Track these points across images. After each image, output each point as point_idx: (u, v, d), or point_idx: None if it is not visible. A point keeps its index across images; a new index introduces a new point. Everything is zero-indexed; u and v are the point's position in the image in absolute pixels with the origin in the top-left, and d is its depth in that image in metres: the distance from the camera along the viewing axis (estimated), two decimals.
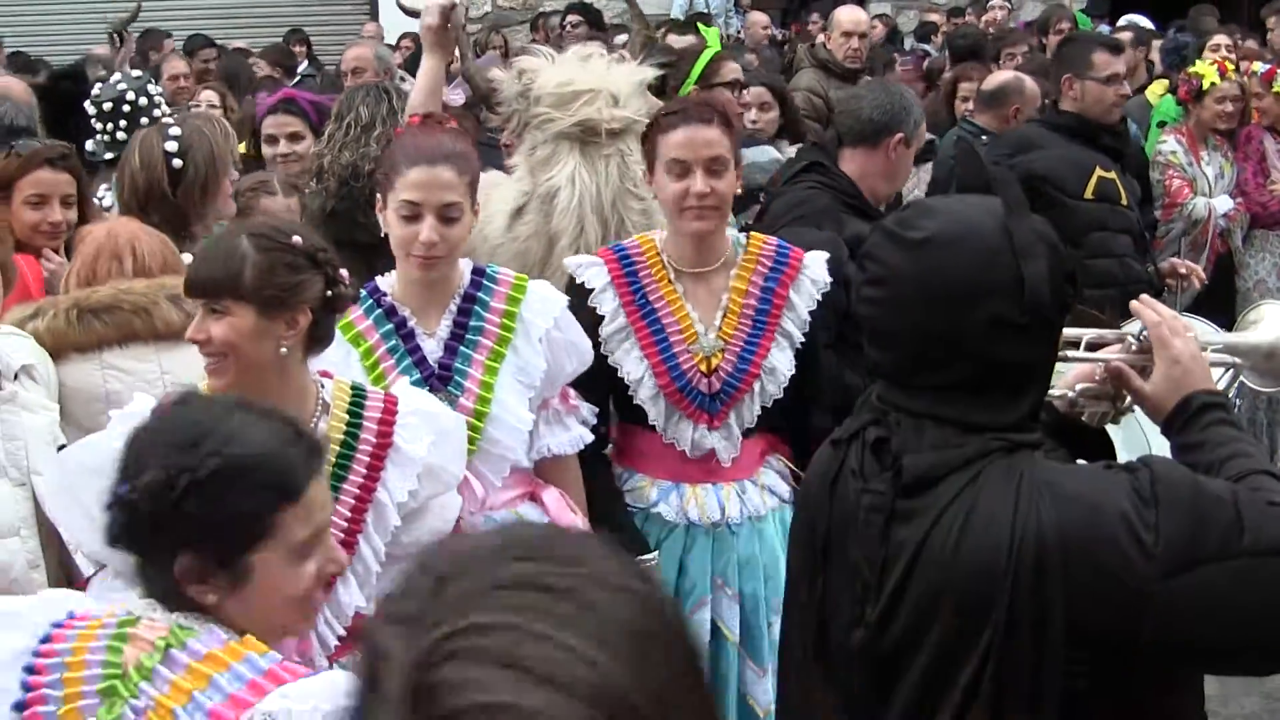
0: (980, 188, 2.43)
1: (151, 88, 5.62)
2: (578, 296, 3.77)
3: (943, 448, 2.22)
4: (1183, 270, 6.16)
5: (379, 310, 3.51)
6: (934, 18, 13.07)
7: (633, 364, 3.79)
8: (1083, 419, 2.61)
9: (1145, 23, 10.54)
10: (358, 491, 2.97)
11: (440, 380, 3.47)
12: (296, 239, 2.89)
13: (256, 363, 2.86)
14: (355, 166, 4.79)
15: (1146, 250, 6.14)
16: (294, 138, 5.66)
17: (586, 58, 4.49)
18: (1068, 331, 2.44)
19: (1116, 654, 2.14)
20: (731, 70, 6.24)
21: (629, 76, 4.48)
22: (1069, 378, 2.57)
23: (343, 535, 2.88)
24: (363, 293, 3.50)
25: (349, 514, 2.94)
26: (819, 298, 3.89)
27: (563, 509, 3.60)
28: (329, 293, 2.92)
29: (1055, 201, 5.49)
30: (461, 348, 3.49)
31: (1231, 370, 2.72)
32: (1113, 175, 5.84)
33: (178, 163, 4.20)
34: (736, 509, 3.85)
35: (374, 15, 14.38)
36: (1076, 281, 2.31)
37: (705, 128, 3.67)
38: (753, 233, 4.07)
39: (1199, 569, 2.09)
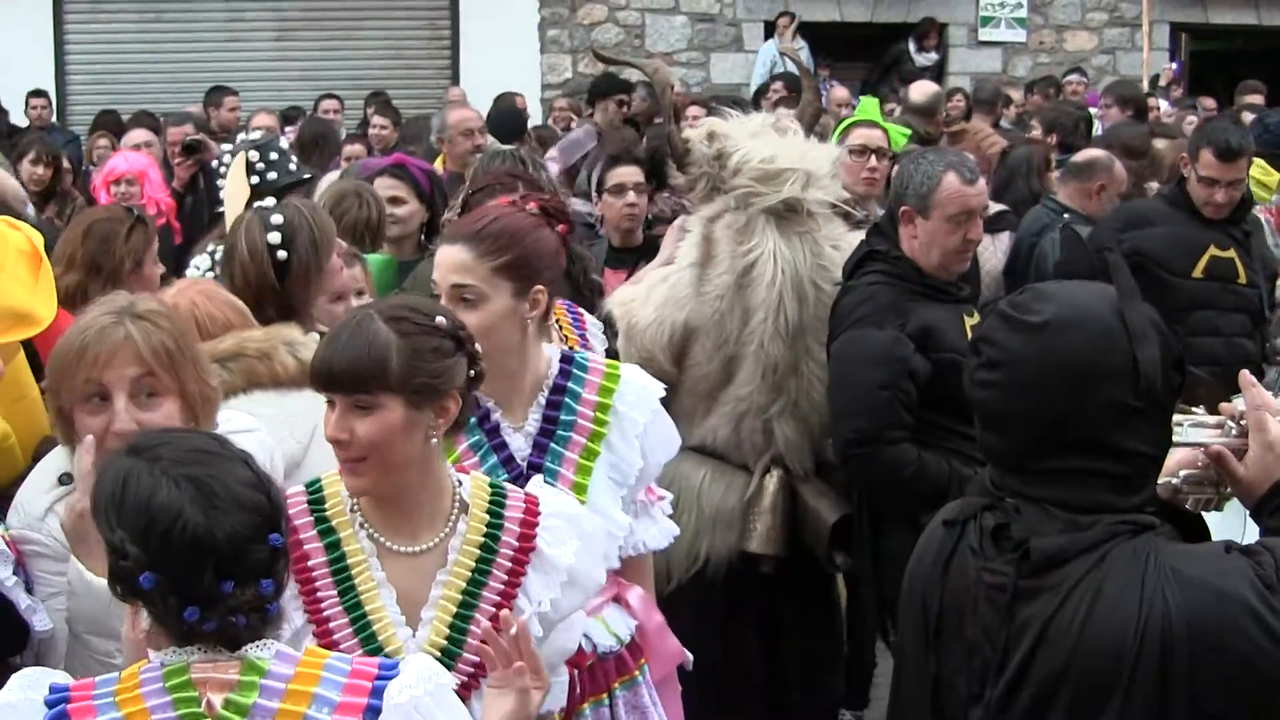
0: (1084, 273, 2.42)
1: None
2: None
3: (1070, 529, 2.23)
4: None
5: None
6: (1013, 93, 13.03)
7: None
8: (1186, 507, 2.58)
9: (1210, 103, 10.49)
10: (497, 599, 2.70)
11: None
12: (441, 320, 2.66)
13: (403, 460, 2.63)
14: None
15: (1261, 329, 6.04)
16: (395, 201, 5.74)
17: (784, 132, 4.58)
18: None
19: None
20: (860, 136, 6.25)
21: (826, 155, 4.59)
22: (1171, 464, 2.56)
23: (480, 643, 2.61)
24: None
25: (488, 622, 2.61)
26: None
27: (649, 609, 3.48)
28: (472, 372, 2.71)
29: (1158, 279, 5.45)
30: (552, 444, 3.18)
31: None
32: (1230, 254, 5.78)
33: (282, 254, 3.97)
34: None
35: (455, 79, 14.61)
36: (1184, 366, 2.32)
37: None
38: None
39: None
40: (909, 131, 8.34)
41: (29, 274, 3.61)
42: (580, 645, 3.14)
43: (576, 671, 3.16)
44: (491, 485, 2.81)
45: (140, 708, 2.07)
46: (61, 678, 2.19)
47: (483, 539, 2.72)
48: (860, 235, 4.69)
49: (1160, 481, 2.46)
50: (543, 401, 3.20)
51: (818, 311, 4.48)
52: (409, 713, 2.16)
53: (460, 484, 2.78)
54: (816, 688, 4.81)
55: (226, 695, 2.07)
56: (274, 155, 6.15)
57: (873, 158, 6.16)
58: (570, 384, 3.21)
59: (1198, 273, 5.72)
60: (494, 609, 2.66)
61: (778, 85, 11.07)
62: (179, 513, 2.04)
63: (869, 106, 8.86)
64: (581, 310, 4.27)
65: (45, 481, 2.92)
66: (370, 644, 2.63)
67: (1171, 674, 2.11)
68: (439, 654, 2.61)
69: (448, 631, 2.66)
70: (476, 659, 2.63)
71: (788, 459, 4.63)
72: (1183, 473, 2.57)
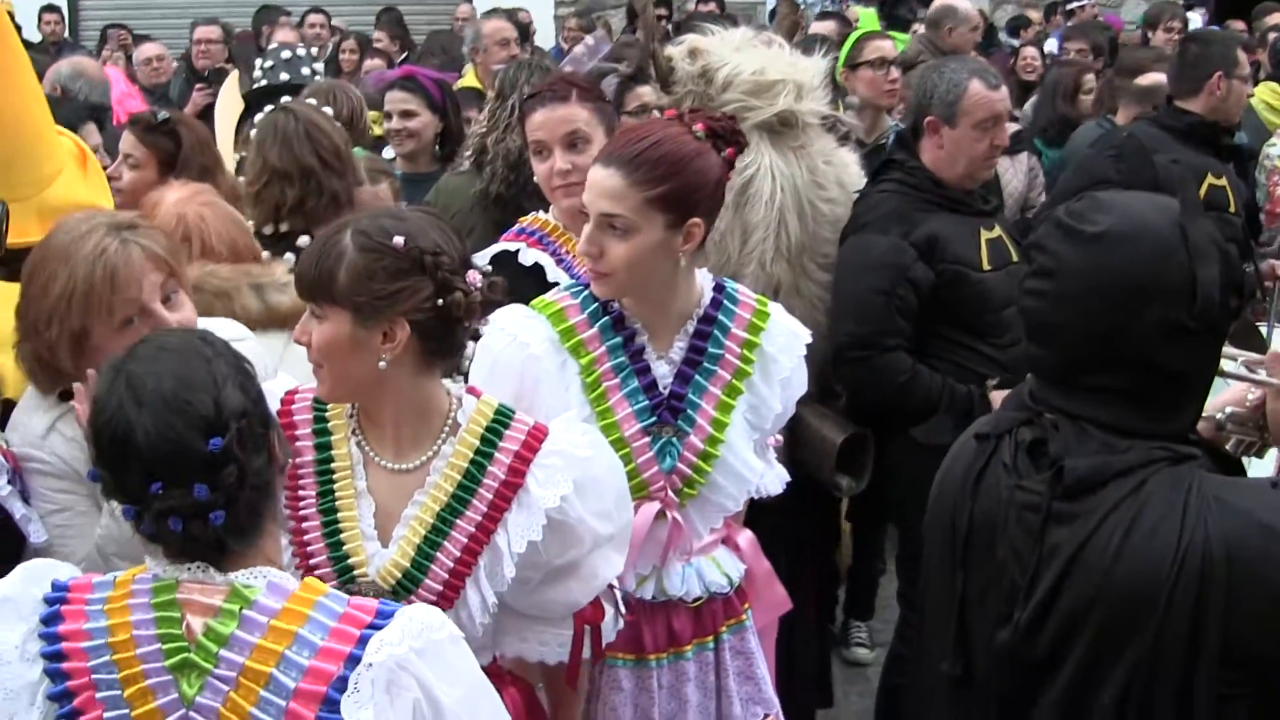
0: (1148, 185, 2.35)
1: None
2: (529, 276, 3.65)
3: (1106, 452, 2.15)
4: None
5: (606, 318, 3.01)
6: (1032, 14, 12.85)
7: None
8: (1227, 448, 2.52)
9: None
10: (473, 530, 2.55)
11: (671, 411, 3.01)
12: (398, 240, 2.49)
13: (357, 375, 2.53)
14: (522, 151, 4.44)
15: (1249, 254, 5.97)
16: (406, 115, 5.67)
17: (769, 44, 4.42)
18: (1225, 347, 2.36)
19: (1277, 678, 2.07)
20: (876, 49, 6.15)
21: (814, 67, 4.43)
22: (1219, 400, 2.49)
23: (446, 574, 2.54)
24: (584, 292, 3.04)
25: (459, 553, 2.54)
26: None
27: (758, 555, 3.36)
28: (439, 300, 2.52)
29: None
30: (696, 376, 3.02)
31: None
32: (1223, 182, 5.69)
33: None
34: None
35: None
36: (1244, 290, 2.24)
37: (561, 105, 3.62)
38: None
39: None
40: (908, 36, 8.29)
41: (80, 172, 3.71)
42: (690, 587, 3.10)
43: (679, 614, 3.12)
44: (499, 411, 2.65)
45: (124, 620, 2.02)
46: (66, 572, 2.15)
47: (467, 465, 2.58)
48: (848, 150, 4.64)
49: (1204, 416, 2.40)
50: (690, 330, 3.04)
51: (815, 229, 4.38)
52: (390, 671, 2.00)
53: (458, 405, 2.64)
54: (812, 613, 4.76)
55: (207, 621, 2.00)
56: (285, 55, 6.06)
57: (891, 69, 6.10)
58: (720, 315, 3.06)
59: None
60: (466, 540, 2.54)
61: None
62: (109, 411, 2.03)
63: (869, 18, 8.80)
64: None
65: (45, 400, 2.85)
66: (336, 550, 2.57)
67: (1207, 605, 2.05)
68: (400, 575, 2.53)
69: (412, 554, 2.54)
70: (439, 587, 2.53)
71: None
72: (1228, 409, 2.51)
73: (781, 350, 3.09)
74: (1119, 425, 2.17)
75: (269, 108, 4.22)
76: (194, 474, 2.00)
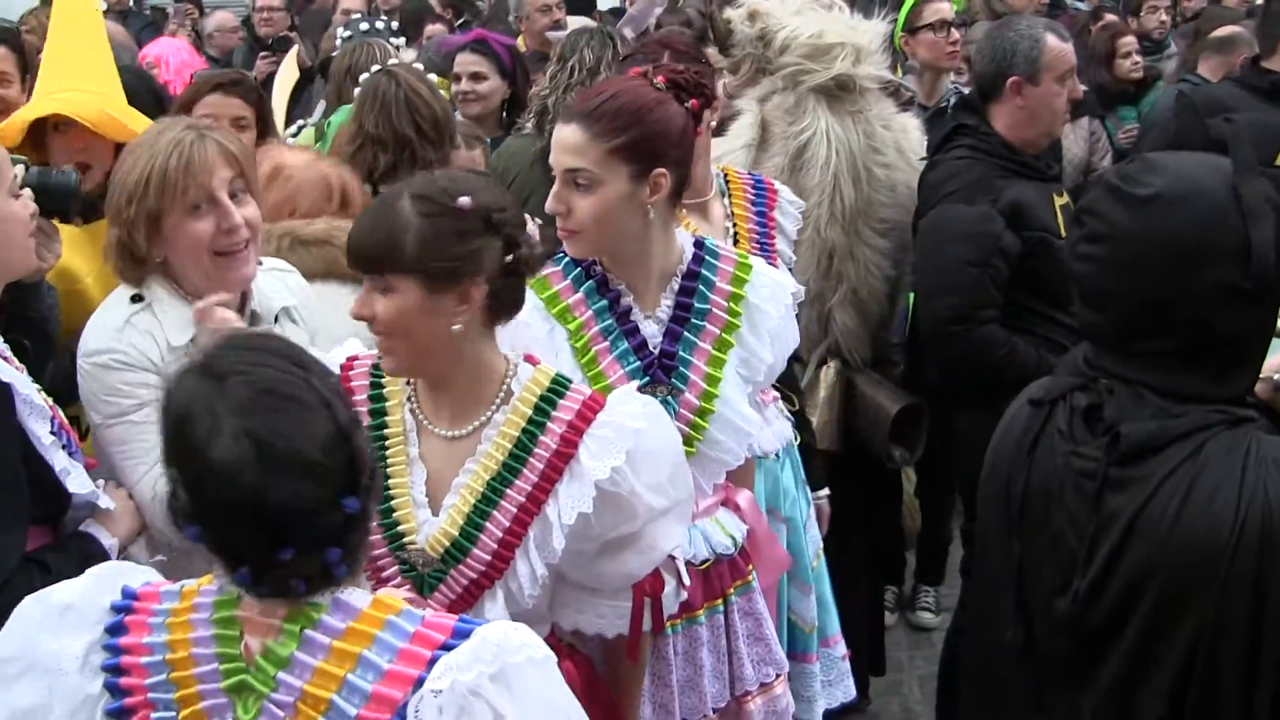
0: (1199, 145, 2.32)
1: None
2: None
3: (1163, 417, 2.13)
4: None
5: (590, 282, 3.01)
6: None
7: None
8: None
9: None
10: (523, 500, 2.52)
11: (664, 370, 3.00)
12: (464, 200, 2.45)
13: (428, 344, 2.49)
14: None
15: None
16: (476, 77, 5.69)
17: (828, 7, 4.41)
18: None
19: None
20: (936, 11, 6.05)
21: (874, 30, 4.41)
22: (1275, 361, 2.45)
23: (495, 545, 2.51)
24: (565, 258, 3.03)
25: (508, 523, 2.52)
26: (799, 216, 3.92)
27: (758, 514, 3.34)
28: (508, 258, 2.50)
29: None
30: (685, 333, 3.02)
31: None
32: None
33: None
34: (772, 436, 3.80)
35: None
36: None
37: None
38: (725, 167, 3.98)
39: None
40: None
41: None
42: (698, 549, 3.08)
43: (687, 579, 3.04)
44: (555, 380, 2.61)
45: (185, 637, 1.91)
46: (139, 577, 2.02)
47: (519, 434, 2.54)
48: (910, 115, 4.58)
49: (1261, 379, 2.37)
50: (675, 288, 3.03)
51: (871, 194, 4.37)
52: (460, 698, 1.81)
53: (514, 373, 2.60)
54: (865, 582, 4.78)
55: (266, 641, 1.87)
56: (364, 27, 6.10)
57: (952, 30, 6.03)
58: (703, 271, 3.05)
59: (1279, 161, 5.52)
60: (515, 510, 2.51)
61: None
62: (232, 475, 1.79)
63: None
64: (773, 182, 4.00)
65: (121, 301, 2.97)
66: (387, 517, 2.54)
67: (1270, 567, 2.03)
68: (448, 544, 2.52)
69: (461, 523, 2.52)
70: (489, 559, 2.51)
71: (845, 349, 4.53)
72: None
73: (767, 300, 3.07)
74: (1175, 390, 2.14)
75: (375, 68, 4.24)
76: (330, 539, 1.85)
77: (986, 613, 2.43)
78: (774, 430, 3.35)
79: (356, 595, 1.90)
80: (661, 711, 3.08)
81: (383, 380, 2.66)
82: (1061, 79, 4.32)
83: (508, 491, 2.53)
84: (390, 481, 2.56)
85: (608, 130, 2.83)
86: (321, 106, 6.01)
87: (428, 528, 2.55)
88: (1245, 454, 2.08)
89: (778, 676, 3.25)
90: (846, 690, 4.02)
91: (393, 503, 2.56)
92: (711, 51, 5.12)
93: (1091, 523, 2.16)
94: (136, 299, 2.96)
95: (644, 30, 7.43)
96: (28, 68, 4.44)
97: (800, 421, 4.08)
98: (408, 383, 2.64)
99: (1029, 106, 4.30)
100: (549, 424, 2.55)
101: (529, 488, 2.52)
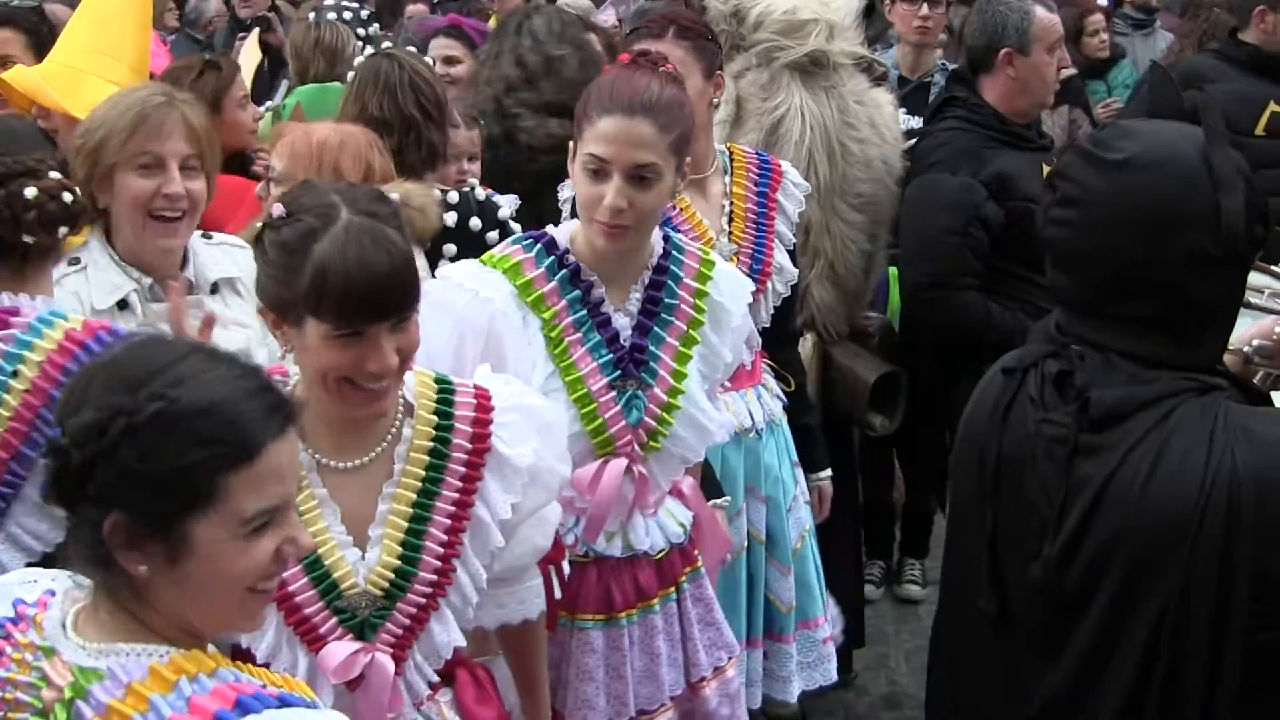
0: (1174, 115, 2.33)
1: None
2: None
3: (1132, 383, 2.14)
4: None
5: (564, 271, 2.92)
6: None
7: None
8: (1254, 381, 2.50)
9: None
10: (453, 508, 2.43)
11: (634, 364, 2.94)
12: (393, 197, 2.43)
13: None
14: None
15: None
16: (450, 61, 5.68)
17: None
18: (1253, 279, 2.33)
19: None
20: None
21: (847, 6, 4.44)
22: (1245, 333, 2.46)
23: (438, 561, 2.41)
24: (537, 246, 2.95)
25: (444, 535, 2.42)
26: (803, 199, 3.92)
27: (700, 497, 3.30)
28: None
29: None
30: (654, 327, 2.97)
31: None
32: None
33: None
34: (759, 414, 3.84)
35: None
36: (1269, 220, 2.20)
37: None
38: (731, 144, 3.99)
39: None
40: None
41: None
42: (654, 540, 3.07)
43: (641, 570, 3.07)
44: (438, 381, 2.50)
45: (11, 679, 1.80)
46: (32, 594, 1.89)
47: (431, 443, 2.43)
48: (882, 91, 4.61)
49: (1230, 348, 2.38)
50: (646, 281, 2.98)
51: (846, 169, 4.39)
52: None
53: (403, 383, 2.44)
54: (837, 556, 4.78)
55: (55, 705, 1.74)
56: (331, 17, 6.08)
57: (924, 5, 6.02)
58: (671, 265, 3.00)
59: (1259, 130, 5.57)
60: (448, 520, 2.42)
61: None
62: None
63: None
64: (780, 163, 3.99)
65: (61, 263, 2.95)
66: (316, 569, 2.35)
67: (1236, 536, 2.04)
68: (393, 575, 2.38)
69: (399, 550, 2.39)
70: (434, 577, 2.41)
71: (821, 323, 4.55)
72: (1256, 342, 2.48)
73: (729, 298, 3.04)
74: (1146, 355, 2.15)
75: (369, 52, 4.22)
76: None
77: (960, 581, 2.44)
78: (725, 418, 3.30)
79: (144, 653, 1.76)
80: (617, 703, 3.05)
81: None
82: (1051, 49, 4.44)
83: (435, 504, 2.43)
84: (308, 529, 2.27)
85: (670, 123, 2.80)
86: (284, 88, 6.04)
87: (362, 567, 2.40)
88: (1214, 421, 2.09)
89: (730, 659, 3.23)
90: (826, 674, 4.04)
91: (319, 553, 2.35)
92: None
93: (1062, 489, 2.17)
94: (74, 261, 3.05)
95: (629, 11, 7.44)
96: (43, 49, 4.46)
97: (802, 402, 4.09)
98: None
99: (1020, 77, 4.43)
100: (455, 424, 2.46)
101: (455, 495, 2.44)
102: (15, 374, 2.51)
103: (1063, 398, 2.21)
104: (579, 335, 2.91)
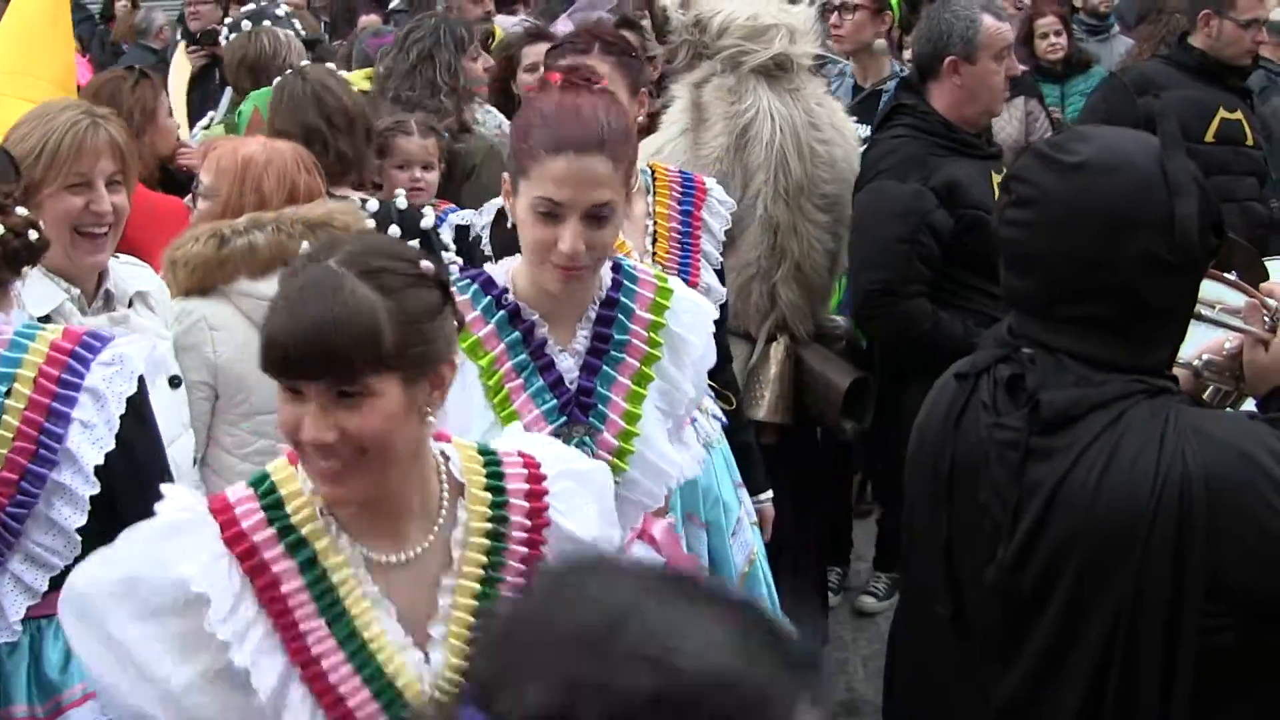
0: (1129, 122, 2.34)
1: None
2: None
3: (1083, 385, 2.15)
4: None
5: (501, 312, 2.73)
6: None
7: None
8: (1204, 397, 2.52)
9: None
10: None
11: (581, 409, 2.76)
12: (426, 265, 2.04)
13: (400, 452, 2.04)
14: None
15: (1273, 190, 5.94)
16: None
17: None
18: (1205, 292, 2.35)
19: (1260, 610, 2.08)
20: None
21: (805, 12, 4.54)
22: (1195, 348, 2.48)
23: None
24: (473, 286, 2.74)
25: None
26: (729, 216, 3.88)
27: (673, 542, 3.17)
28: (456, 323, 2.14)
29: None
30: (604, 366, 2.77)
31: None
32: (1238, 115, 5.67)
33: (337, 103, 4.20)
34: (691, 460, 3.48)
35: None
36: (1222, 229, 2.23)
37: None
38: (653, 163, 3.95)
39: None
40: None
41: None
42: None
43: None
44: (482, 452, 2.23)
45: None
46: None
47: (488, 525, 2.16)
48: (832, 95, 4.71)
49: (1180, 363, 2.39)
50: (593, 316, 2.78)
51: (813, 169, 4.47)
52: None
53: (447, 458, 2.19)
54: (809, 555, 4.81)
55: None
56: (246, 26, 6.02)
57: (836, 13, 6.09)
58: (621, 297, 2.79)
59: (1209, 137, 5.60)
60: None
61: None
62: None
63: None
64: (705, 180, 3.91)
65: None
66: (376, 680, 2.06)
67: (1188, 537, 2.05)
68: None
69: (467, 650, 2.05)
70: None
71: (790, 323, 4.59)
72: (1205, 357, 2.50)
73: (689, 329, 2.84)
74: (1096, 357, 2.16)
75: (278, 62, 4.28)
76: None
77: (917, 587, 2.44)
78: (692, 454, 3.09)
79: None
80: None
81: (289, 519, 2.07)
82: (998, 57, 4.43)
83: (499, 591, 2.14)
84: (364, 635, 2.06)
85: (620, 154, 2.62)
86: (228, 97, 6.01)
87: (427, 671, 2.11)
88: (1165, 422, 2.10)
89: None
90: None
91: (379, 660, 2.07)
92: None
93: (1015, 493, 2.17)
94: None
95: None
96: None
97: (739, 421, 3.97)
98: (323, 513, 2.09)
99: (967, 85, 4.42)
100: (509, 499, 2.19)
101: (518, 580, 2.16)
102: (9, 393, 2.49)
103: (1014, 402, 2.21)
104: (520, 381, 2.73)
